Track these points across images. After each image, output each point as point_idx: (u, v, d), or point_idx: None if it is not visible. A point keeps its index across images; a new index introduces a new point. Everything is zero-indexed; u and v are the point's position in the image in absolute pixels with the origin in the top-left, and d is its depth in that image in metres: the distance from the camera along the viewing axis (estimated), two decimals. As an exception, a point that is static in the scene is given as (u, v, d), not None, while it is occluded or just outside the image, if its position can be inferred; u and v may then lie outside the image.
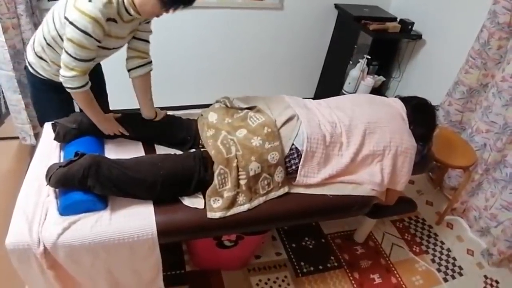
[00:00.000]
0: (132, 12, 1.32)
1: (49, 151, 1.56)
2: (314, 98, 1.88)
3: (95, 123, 1.53)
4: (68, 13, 1.24)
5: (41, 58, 1.49)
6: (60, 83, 1.43)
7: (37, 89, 1.63)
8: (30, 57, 1.53)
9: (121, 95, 1.93)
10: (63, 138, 1.53)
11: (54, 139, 1.55)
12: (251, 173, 1.44)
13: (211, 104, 1.77)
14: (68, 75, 1.32)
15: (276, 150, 1.48)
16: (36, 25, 2.01)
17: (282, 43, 2.88)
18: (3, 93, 2.17)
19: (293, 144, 1.53)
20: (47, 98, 1.64)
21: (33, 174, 1.44)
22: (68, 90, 1.37)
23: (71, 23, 1.23)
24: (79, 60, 1.30)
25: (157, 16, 1.36)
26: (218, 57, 2.80)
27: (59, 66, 1.38)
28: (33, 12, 1.99)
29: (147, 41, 1.57)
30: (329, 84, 3.08)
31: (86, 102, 1.44)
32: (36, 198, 1.34)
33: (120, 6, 1.30)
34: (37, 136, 2.20)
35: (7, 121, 2.46)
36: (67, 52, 1.29)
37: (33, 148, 2.27)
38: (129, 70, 1.59)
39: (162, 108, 1.73)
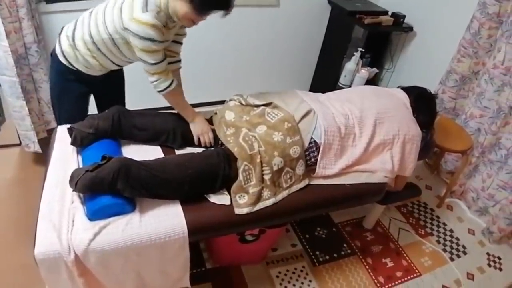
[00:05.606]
0: (175, 19, 1.42)
1: (65, 156, 1.53)
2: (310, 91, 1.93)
3: (188, 122, 1.65)
4: (128, 25, 1.37)
5: (78, 50, 1.54)
6: (86, 76, 1.61)
7: (61, 78, 1.65)
8: (65, 46, 1.56)
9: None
10: (80, 142, 1.52)
11: (71, 143, 1.53)
12: (275, 168, 1.47)
13: (208, 103, 1.79)
14: (154, 79, 1.49)
15: (297, 144, 1.52)
16: (36, 29, 1.96)
17: (278, 39, 2.92)
18: (1, 99, 2.11)
19: (312, 138, 1.57)
20: (69, 87, 1.67)
21: (52, 181, 1.42)
22: (159, 93, 1.54)
23: (135, 34, 1.36)
24: (156, 64, 1.44)
25: (194, 23, 1.44)
26: (214, 54, 2.79)
27: (96, 60, 1.54)
28: (33, 16, 1.94)
29: (181, 43, 1.68)
30: (324, 78, 3.14)
31: (177, 101, 1.63)
32: (60, 205, 1.32)
33: (166, 15, 1.41)
34: (40, 142, 2.15)
35: (3, 128, 2.39)
36: (144, 61, 1.44)
37: (36, 155, 2.22)
38: None
39: (166, 108, 1.76)
